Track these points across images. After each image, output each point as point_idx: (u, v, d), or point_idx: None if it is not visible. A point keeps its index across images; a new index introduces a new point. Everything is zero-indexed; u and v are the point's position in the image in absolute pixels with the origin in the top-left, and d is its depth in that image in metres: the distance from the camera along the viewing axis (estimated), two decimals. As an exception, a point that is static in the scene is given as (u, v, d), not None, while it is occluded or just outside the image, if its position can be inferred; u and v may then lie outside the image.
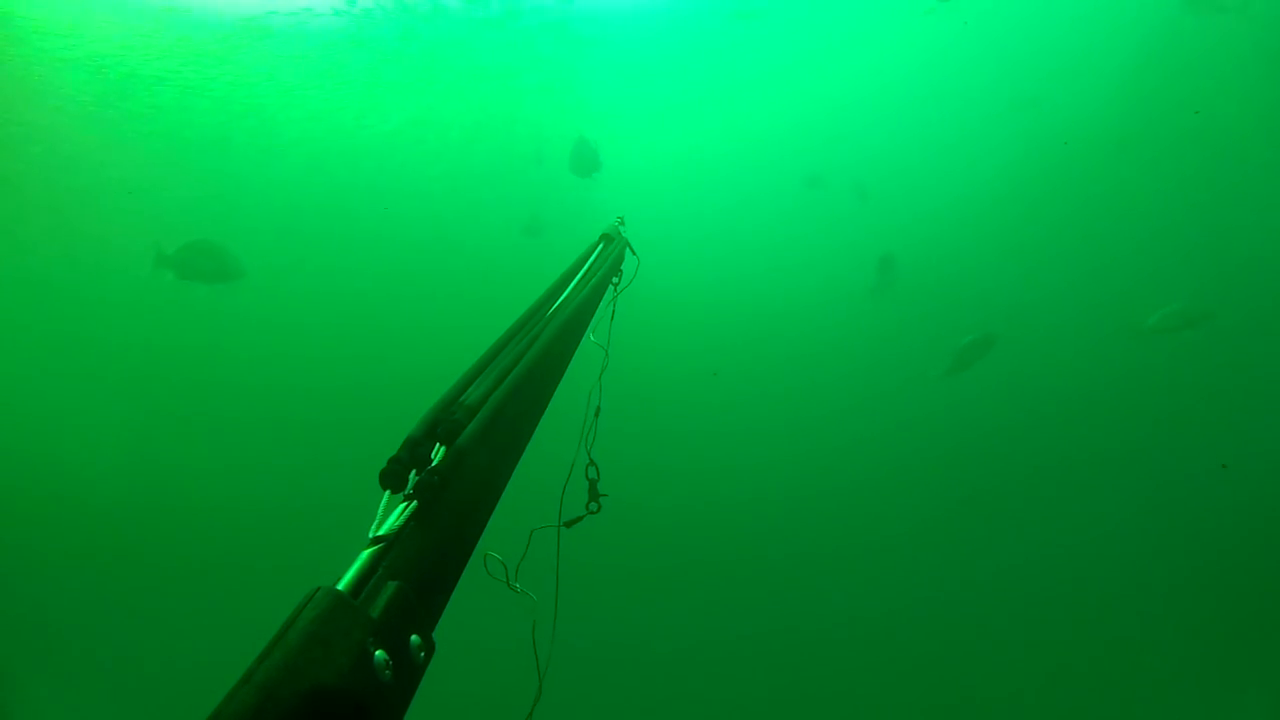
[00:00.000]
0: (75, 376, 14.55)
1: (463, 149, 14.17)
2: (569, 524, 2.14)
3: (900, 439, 13.78)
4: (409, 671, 0.79)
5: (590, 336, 2.26)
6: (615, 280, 2.24)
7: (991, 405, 13.22)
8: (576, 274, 1.86)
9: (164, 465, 16.50)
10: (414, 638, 0.81)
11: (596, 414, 2.31)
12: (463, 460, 1.05)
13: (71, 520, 14.95)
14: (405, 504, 0.96)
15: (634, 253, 2.48)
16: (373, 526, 0.92)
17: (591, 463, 2.19)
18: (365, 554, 0.87)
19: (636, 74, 14.05)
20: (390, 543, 0.89)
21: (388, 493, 0.98)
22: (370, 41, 12.10)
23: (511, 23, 11.98)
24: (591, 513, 2.16)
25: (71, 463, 15.91)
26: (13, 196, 12.62)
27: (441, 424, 1.09)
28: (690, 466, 13.36)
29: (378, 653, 0.73)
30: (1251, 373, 12.31)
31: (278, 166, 13.67)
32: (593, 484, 2.18)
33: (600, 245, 2.17)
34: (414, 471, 1.01)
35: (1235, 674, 10.13)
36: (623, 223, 2.51)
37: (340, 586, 0.80)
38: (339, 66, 12.43)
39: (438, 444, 1.08)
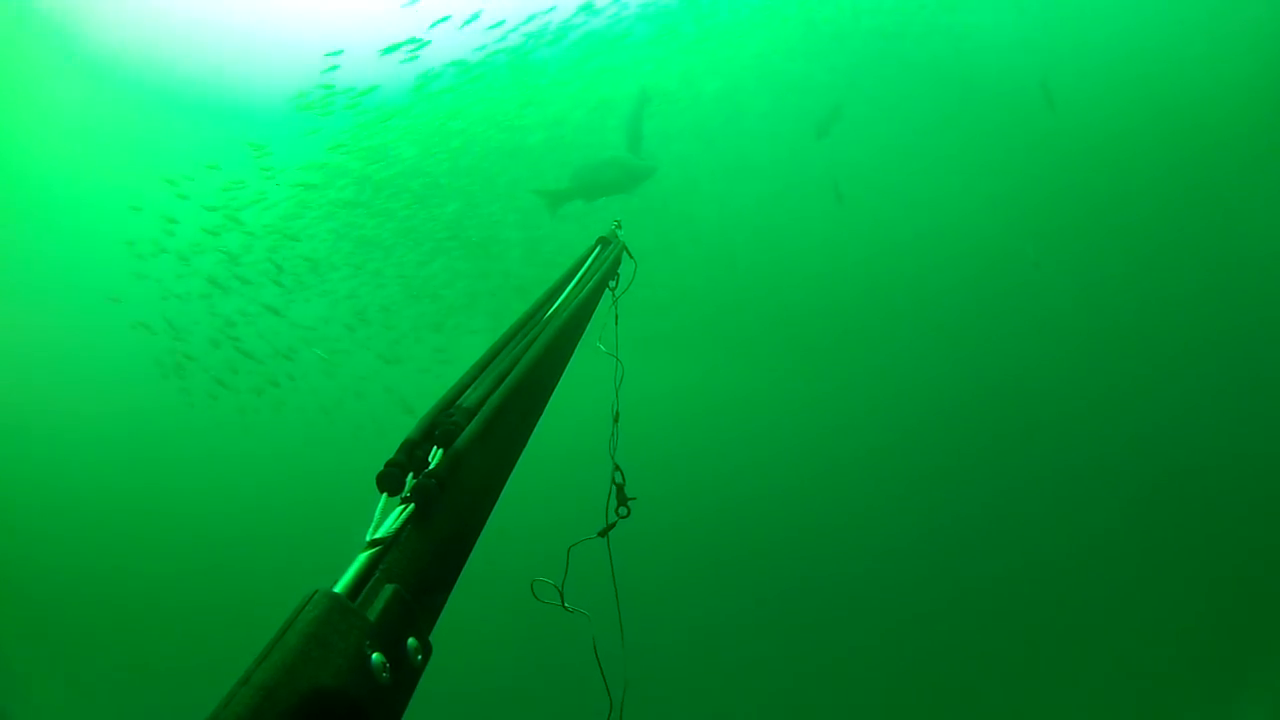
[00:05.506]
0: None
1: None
2: (603, 533, 2.17)
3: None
4: (406, 674, 0.79)
5: (600, 346, 2.28)
6: (612, 284, 2.26)
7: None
8: (574, 277, 1.87)
9: (161, 462, 16.40)
10: (411, 640, 0.81)
11: (615, 420, 2.35)
12: (460, 463, 1.06)
13: (71, 520, 14.88)
14: (402, 507, 0.97)
15: (631, 256, 2.50)
16: (370, 529, 0.92)
17: (617, 468, 2.22)
18: (362, 557, 0.88)
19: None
20: (387, 546, 0.90)
21: (384, 496, 0.98)
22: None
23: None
24: (621, 517, 2.18)
25: (71, 457, 15.83)
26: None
27: (439, 427, 1.09)
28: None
29: (375, 655, 0.73)
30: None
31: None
32: (619, 488, 2.19)
33: (597, 249, 2.19)
34: (411, 475, 1.02)
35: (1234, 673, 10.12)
36: (620, 226, 2.53)
37: (338, 589, 0.81)
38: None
39: (435, 447, 1.08)
